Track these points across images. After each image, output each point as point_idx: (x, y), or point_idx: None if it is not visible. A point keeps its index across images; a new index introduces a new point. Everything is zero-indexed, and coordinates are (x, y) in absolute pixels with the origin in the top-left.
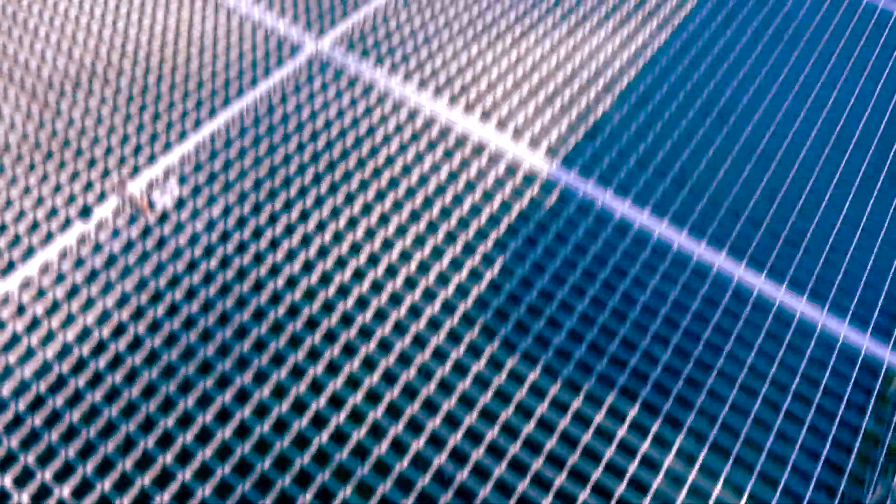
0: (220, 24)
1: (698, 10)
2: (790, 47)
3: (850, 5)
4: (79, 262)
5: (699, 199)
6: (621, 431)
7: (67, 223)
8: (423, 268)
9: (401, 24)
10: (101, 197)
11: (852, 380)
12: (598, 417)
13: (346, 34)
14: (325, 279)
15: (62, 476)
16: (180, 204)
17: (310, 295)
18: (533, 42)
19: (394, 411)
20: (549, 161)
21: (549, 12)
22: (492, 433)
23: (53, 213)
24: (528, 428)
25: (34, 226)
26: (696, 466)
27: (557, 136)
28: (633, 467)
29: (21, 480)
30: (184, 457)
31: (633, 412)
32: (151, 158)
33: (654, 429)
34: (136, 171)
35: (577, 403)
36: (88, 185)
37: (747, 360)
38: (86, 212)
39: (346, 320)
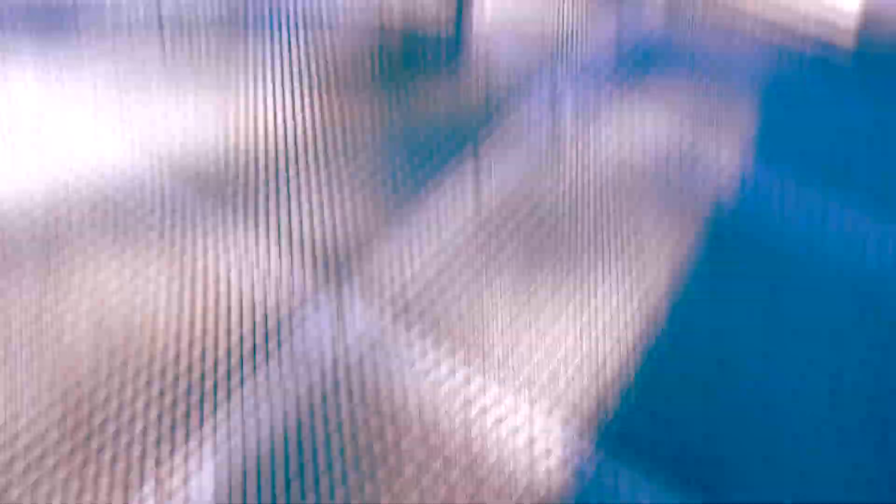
0: (220, 301)
1: (690, 255)
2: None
3: None
4: None
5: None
6: None
7: None
8: None
9: (415, 275)
10: None
11: None
12: None
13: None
14: None
15: None
16: None
17: None
18: (545, 296)
19: None
20: (563, 433)
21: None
22: None
23: None
24: None
25: None
26: None
27: (572, 405)
28: None
29: None
30: None
31: None
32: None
33: None
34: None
35: None
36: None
37: None
38: None
39: None
